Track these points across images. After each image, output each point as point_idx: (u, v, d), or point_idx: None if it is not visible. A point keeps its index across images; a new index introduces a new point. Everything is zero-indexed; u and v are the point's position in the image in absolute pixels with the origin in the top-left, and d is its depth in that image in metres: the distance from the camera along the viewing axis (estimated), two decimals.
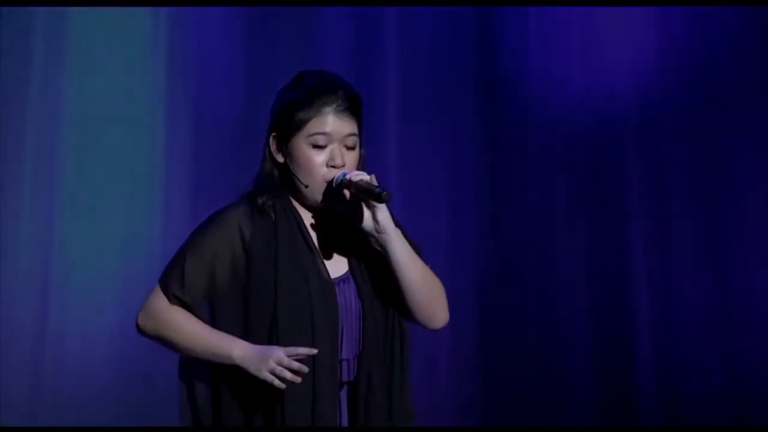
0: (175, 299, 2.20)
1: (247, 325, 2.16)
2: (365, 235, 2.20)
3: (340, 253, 2.24)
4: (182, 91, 4.20)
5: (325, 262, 2.21)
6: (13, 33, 4.04)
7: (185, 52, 4.23)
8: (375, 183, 2.15)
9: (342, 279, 2.22)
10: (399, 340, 2.23)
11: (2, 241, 3.98)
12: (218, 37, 4.27)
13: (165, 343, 2.22)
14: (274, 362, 2.08)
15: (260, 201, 2.21)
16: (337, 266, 2.23)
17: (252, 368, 2.11)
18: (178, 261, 2.22)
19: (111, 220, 4.07)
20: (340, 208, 2.21)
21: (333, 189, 2.18)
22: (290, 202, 2.24)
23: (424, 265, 2.23)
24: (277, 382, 2.08)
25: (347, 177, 2.16)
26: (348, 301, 2.21)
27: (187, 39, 4.24)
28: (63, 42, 4.11)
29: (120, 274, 4.03)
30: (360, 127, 2.24)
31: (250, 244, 2.18)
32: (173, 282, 2.20)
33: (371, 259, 2.23)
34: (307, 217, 2.24)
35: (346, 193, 2.16)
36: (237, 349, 2.13)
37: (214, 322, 2.19)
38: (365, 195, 2.14)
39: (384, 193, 2.11)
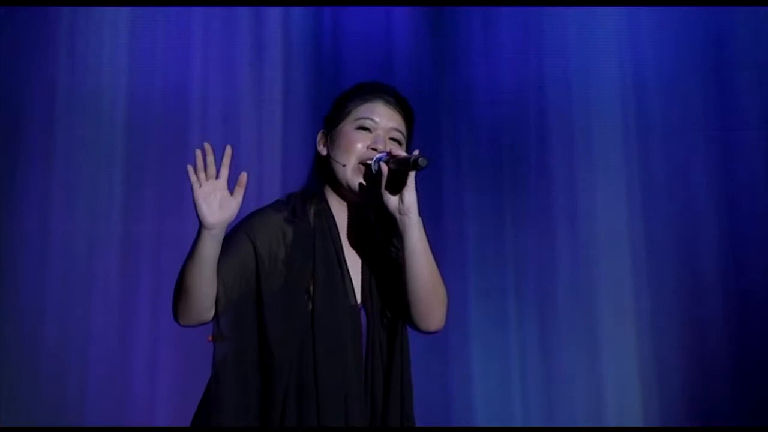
0: None
1: (277, 329, 2.15)
2: (385, 235, 2.23)
3: (358, 275, 2.25)
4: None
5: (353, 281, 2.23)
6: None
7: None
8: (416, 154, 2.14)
9: (359, 308, 2.23)
10: (399, 371, 2.23)
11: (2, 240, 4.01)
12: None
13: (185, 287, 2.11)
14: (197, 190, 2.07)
15: (306, 206, 2.23)
16: (356, 290, 2.24)
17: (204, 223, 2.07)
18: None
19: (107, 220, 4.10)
20: (370, 192, 2.20)
21: (371, 168, 2.19)
22: (327, 206, 2.25)
23: (434, 263, 2.23)
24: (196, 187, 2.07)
25: (390, 151, 2.17)
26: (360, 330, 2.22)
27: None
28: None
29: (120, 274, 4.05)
30: (407, 136, 2.28)
31: (292, 247, 2.19)
32: None
33: (385, 274, 2.24)
34: (342, 226, 2.26)
35: (384, 168, 2.16)
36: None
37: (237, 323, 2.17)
38: (403, 165, 2.14)
39: (420, 158, 2.10)
